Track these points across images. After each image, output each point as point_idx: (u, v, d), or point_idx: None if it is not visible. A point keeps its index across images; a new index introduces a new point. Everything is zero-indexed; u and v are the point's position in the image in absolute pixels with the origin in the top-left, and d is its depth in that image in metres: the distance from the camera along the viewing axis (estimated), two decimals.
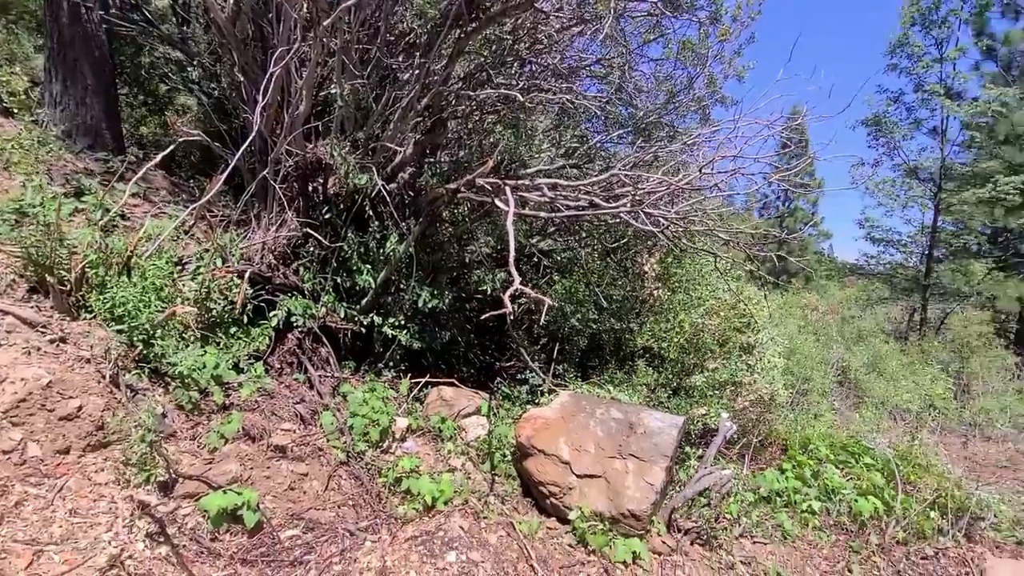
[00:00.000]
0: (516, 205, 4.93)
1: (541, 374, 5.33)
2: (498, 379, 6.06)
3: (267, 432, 3.66)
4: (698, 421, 5.30)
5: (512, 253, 3.65)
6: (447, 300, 5.34)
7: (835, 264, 24.72)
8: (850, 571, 3.64)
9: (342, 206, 5.49)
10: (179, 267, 4.62)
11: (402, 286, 5.50)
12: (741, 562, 3.45)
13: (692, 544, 3.51)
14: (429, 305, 5.34)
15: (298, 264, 5.52)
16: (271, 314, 4.88)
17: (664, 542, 3.38)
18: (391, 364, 5.71)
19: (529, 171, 5.10)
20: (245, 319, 4.67)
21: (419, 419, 5.00)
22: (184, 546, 2.53)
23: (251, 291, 4.83)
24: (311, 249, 5.49)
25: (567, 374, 5.54)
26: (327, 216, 5.41)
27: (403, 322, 5.54)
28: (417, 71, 4.63)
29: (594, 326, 5.70)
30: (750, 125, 4.86)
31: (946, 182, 15.87)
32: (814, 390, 8.12)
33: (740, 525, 3.75)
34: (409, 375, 5.68)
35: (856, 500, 4.30)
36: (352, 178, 5.14)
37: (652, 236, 5.84)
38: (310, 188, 5.63)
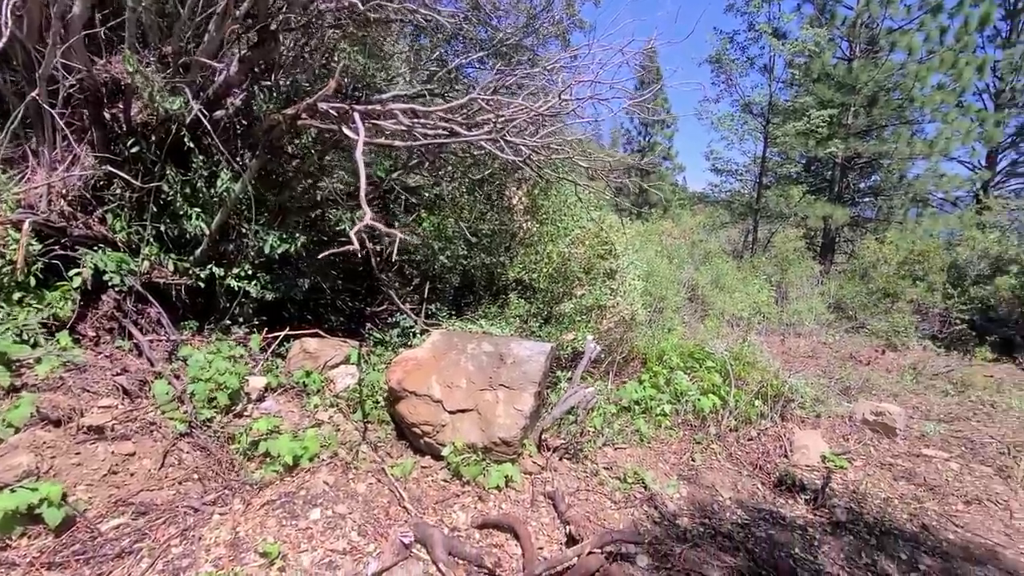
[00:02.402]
0: (370, 134, 4.49)
1: (412, 316, 5.15)
2: (369, 325, 5.76)
3: (77, 412, 3.06)
4: (567, 346, 5.57)
5: (363, 187, 3.32)
6: (300, 244, 4.83)
7: (686, 194, 27.21)
8: (693, 459, 4.17)
9: (154, 138, 4.57)
10: None
11: (245, 231, 4.84)
12: (604, 468, 3.75)
13: (561, 459, 3.72)
14: (279, 251, 4.79)
15: (104, 210, 4.59)
16: (72, 272, 4.04)
17: (535, 462, 3.53)
18: (242, 320, 5.12)
19: (384, 97, 4.62)
20: (33, 281, 3.81)
21: (279, 376, 4.60)
22: None
23: (39, 246, 3.93)
24: (119, 192, 4.57)
25: (440, 313, 5.42)
26: (134, 150, 4.48)
27: (251, 272, 4.94)
28: None
29: (464, 262, 5.59)
30: (605, 51, 4.84)
31: (773, 116, 17.92)
32: (668, 307, 9.00)
33: (603, 436, 4.07)
34: (265, 330, 5.16)
35: (699, 399, 4.88)
36: (161, 102, 4.27)
37: (518, 168, 5.75)
38: (107, 116, 4.59)
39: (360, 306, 6.31)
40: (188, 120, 4.22)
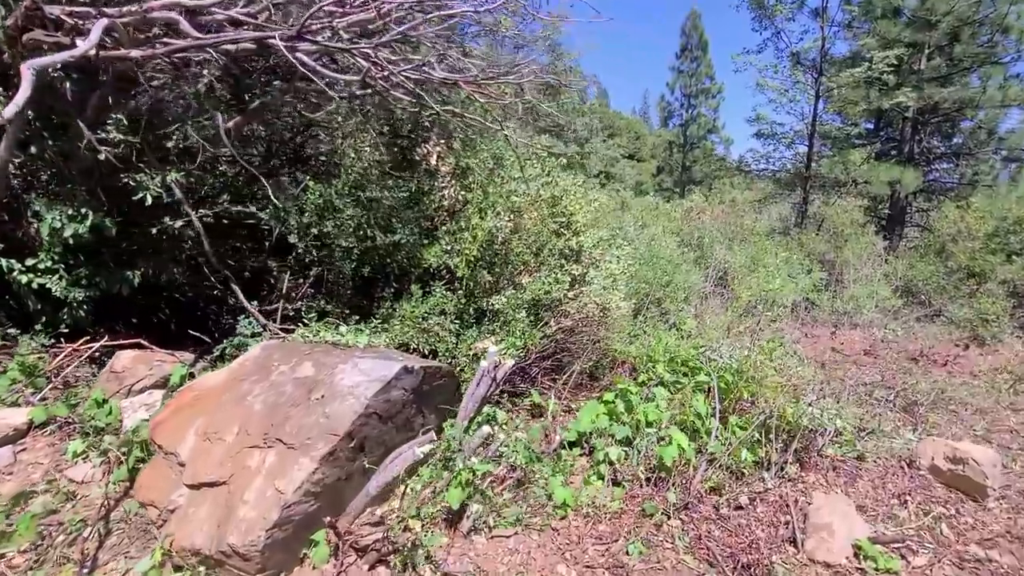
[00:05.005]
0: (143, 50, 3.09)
1: (259, 317, 3.77)
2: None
3: None
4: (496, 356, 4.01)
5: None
6: (92, 223, 3.50)
7: (725, 164, 24.33)
8: (627, 553, 2.54)
9: None
10: None
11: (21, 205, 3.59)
12: None
13: (373, 568, 2.21)
14: (68, 233, 3.50)
15: None
16: None
17: None
18: (62, 323, 3.92)
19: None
20: None
21: (66, 405, 3.35)
22: None
23: None
24: None
25: (306, 313, 3.98)
26: None
27: (51, 264, 3.69)
28: None
29: (345, 243, 4.12)
30: None
31: (827, 66, 15.20)
32: (673, 297, 7.19)
33: (469, 517, 2.51)
34: (83, 339, 3.94)
35: (659, 444, 3.21)
36: None
37: (433, 118, 4.22)
38: None
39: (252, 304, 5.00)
40: None
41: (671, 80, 39.78)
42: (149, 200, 3.36)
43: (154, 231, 3.55)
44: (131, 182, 3.40)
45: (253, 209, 3.79)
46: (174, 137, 3.48)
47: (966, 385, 6.33)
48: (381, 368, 2.66)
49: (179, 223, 3.56)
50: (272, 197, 3.50)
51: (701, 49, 38.79)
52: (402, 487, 2.67)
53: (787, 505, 2.93)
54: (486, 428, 2.80)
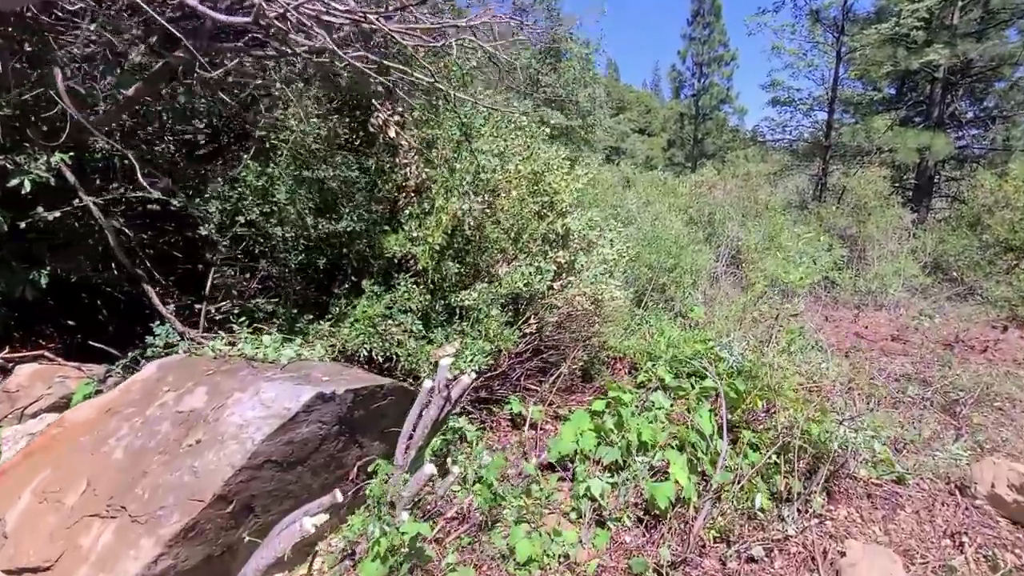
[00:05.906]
0: None
1: (176, 322, 3.19)
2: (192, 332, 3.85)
3: None
4: (461, 365, 3.41)
5: None
6: None
7: (739, 135, 23.12)
8: None
9: None
10: None
11: None
12: None
13: None
14: None
15: None
16: None
17: None
18: None
19: None
20: None
21: None
22: None
23: None
24: None
25: (236, 317, 3.38)
26: None
27: None
28: None
29: (283, 232, 3.51)
30: None
31: (849, 24, 14.04)
32: (679, 282, 6.50)
33: None
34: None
35: (652, 482, 2.60)
36: None
37: (390, 83, 3.55)
38: None
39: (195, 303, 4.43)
40: None
41: (682, 48, 38.10)
42: (28, 187, 2.75)
43: (22, 225, 2.95)
44: (9, 165, 2.79)
45: (156, 194, 3.17)
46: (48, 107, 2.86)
47: (1011, 376, 5.60)
48: (286, 398, 2.06)
49: (56, 213, 2.96)
50: (137, 174, 2.86)
51: (714, 14, 36.99)
52: (317, 546, 2.11)
53: (813, 558, 2.32)
54: (428, 468, 2.20)
